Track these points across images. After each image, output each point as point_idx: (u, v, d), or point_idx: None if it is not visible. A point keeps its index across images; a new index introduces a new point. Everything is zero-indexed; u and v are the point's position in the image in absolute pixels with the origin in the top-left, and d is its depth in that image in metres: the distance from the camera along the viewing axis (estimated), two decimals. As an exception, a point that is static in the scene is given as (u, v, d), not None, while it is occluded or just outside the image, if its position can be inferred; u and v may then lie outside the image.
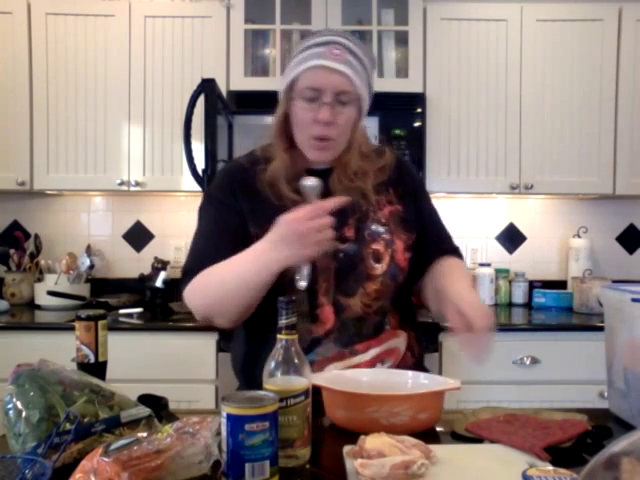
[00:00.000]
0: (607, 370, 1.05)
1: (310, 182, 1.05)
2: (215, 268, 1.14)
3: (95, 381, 0.90)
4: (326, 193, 1.14)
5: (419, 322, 1.35)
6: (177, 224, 2.85)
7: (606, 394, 1.08)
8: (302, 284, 1.06)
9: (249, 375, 1.25)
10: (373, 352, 1.19)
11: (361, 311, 1.19)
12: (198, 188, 2.12)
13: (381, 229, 1.22)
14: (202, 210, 1.28)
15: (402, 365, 1.21)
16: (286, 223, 1.02)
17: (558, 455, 0.84)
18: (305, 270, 1.06)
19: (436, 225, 1.34)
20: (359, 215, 1.21)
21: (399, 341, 1.23)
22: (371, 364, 1.18)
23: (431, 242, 1.29)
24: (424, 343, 1.34)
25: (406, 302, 1.30)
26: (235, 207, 1.22)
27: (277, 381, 0.84)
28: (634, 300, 0.93)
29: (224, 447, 0.74)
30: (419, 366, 1.27)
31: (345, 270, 1.18)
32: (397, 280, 1.22)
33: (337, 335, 1.17)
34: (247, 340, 1.28)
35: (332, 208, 1.02)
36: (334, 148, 1.20)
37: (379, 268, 1.19)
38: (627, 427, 0.96)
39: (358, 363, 1.17)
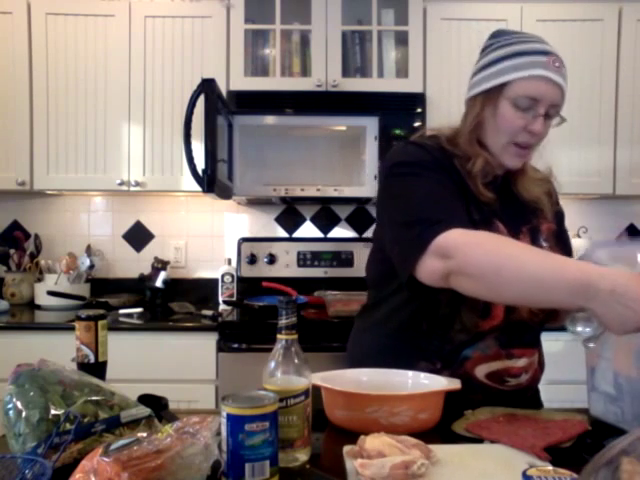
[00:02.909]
0: (588, 373, 1.05)
1: None
2: (514, 242, 1.06)
3: (95, 381, 0.90)
4: (509, 193, 1.23)
5: None
6: (177, 224, 2.86)
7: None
8: (579, 330, 0.97)
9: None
10: (525, 361, 1.19)
11: (527, 317, 1.19)
12: (198, 188, 2.11)
13: (544, 244, 1.24)
14: (412, 172, 1.16)
15: (536, 378, 1.25)
16: None
17: (558, 455, 0.85)
18: (593, 328, 0.95)
19: (570, 248, 1.35)
20: (530, 226, 1.24)
21: (536, 356, 1.25)
22: (521, 372, 1.19)
23: None
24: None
25: None
26: (449, 175, 1.16)
27: (277, 381, 0.84)
28: None
29: (224, 447, 0.74)
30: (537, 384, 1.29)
31: None
32: None
33: (500, 334, 1.17)
34: (387, 335, 1.27)
35: None
36: (530, 155, 1.22)
37: None
38: (613, 430, 0.95)
39: (510, 367, 1.18)
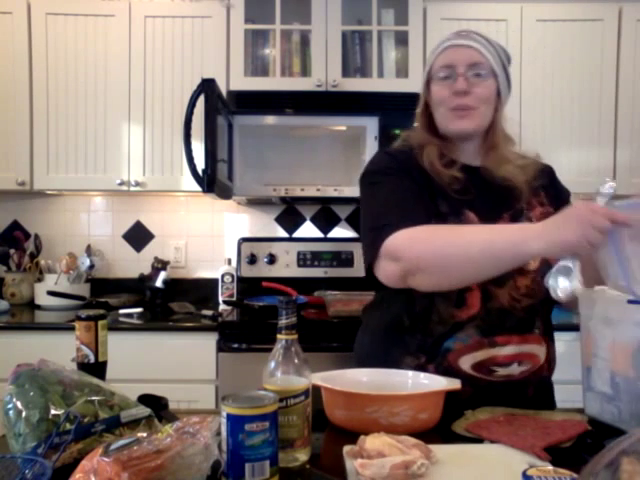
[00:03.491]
0: (583, 373, 1.05)
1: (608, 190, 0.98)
2: (451, 227, 1.12)
3: (95, 381, 0.90)
4: (476, 182, 1.23)
5: None
6: (177, 224, 2.86)
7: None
8: (562, 285, 0.98)
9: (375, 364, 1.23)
10: (511, 349, 1.17)
11: (507, 304, 1.18)
12: (198, 188, 2.11)
13: None
14: (373, 182, 1.25)
15: (538, 374, 1.21)
16: (578, 207, 0.95)
17: (558, 455, 0.85)
18: (572, 275, 0.96)
19: None
20: (513, 211, 1.24)
21: (540, 349, 1.22)
22: (508, 360, 1.17)
23: None
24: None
25: (549, 315, 1.30)
26: (411, 176, 1.23)
27: (277, 381, 0.84)
28: (630, 302, 0.93)
29: (224, 447, 0.74)
30: (549, 379, 1.28)
31: None
32: None
33: (479, 322, 1.17)
34: (377, 333, 1.29)
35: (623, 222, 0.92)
36: (474, 116, 1.24)
37: (532, 264, 1.19)
38: (613, 430, 0.95)
39: (495, 356, 1.16)
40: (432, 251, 1.09)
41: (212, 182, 2.08)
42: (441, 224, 1.17)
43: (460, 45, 1.23)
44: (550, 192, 1.30)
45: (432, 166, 1.23)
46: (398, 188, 1.21)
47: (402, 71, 2.54)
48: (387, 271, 1.15)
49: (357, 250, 2.77)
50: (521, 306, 1.20)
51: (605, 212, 0.93)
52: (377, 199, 1.22)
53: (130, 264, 2.84)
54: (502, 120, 1.29)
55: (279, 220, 2.88)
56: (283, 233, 2.88)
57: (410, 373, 1.10)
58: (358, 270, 2.74)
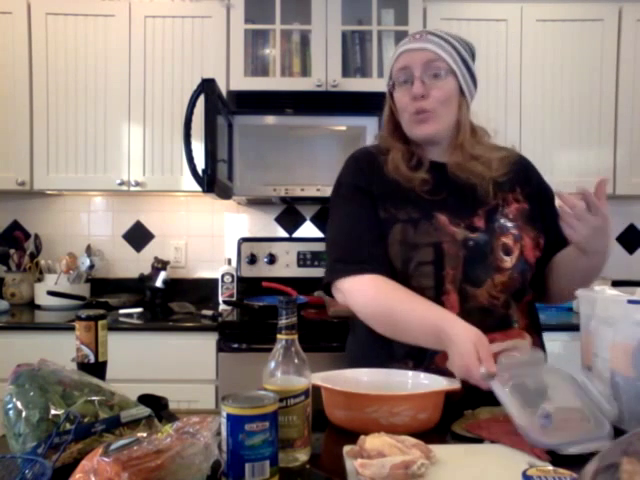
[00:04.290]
0: (583, 373, 1.04)
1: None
2: (392, 294, 1.16)
3: (95, 381, 0.90)
4: (446, 180, 1.25)
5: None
6: (177, 224, 2.86)
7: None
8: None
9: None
10: (497, 347, 1.15)
11: (487, 302, 1.18)
12: (198, 188, 2.12)
13: (509, 224, 1.23)
14: (337, 198, 1.32)
15: None
16: (468, 354, 1.00)
17: (558, 455, 0.85)
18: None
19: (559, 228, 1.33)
20: (488, 208, 1.24)
21: (524, 343, 1.19)
22: (495, 358, 1.17)
23: (555, 241, 1.26)
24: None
25: (534, 307, 1.30)
26: (367, 189, 1.26)
27: (277, 381, 0.84)
28: (630, 302, 0.93)
29: (224, 447, 0.74)
30: None
31: (474, 259, 1.19)
32: (526, 276, 1.22)
33: None
34: (365, 341, 1.32)
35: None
36: (434, 120, 1.24)
37: (508, 261, 1.20)
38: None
39: None
40: (367, 311, 1.20)
41: (212, 182, 2.08)
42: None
43: (414, 49, 1.24)
44: (526, 188, 1.29)
45: (398, 171, 1.25)
46: (349, 213, 1.27)
47: (402, 71, 2.54)
48: (340, 298, 1.27)
49: (357, 250, 2.76)
50: (500, 303, 1.20)
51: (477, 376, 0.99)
52: (334, 222, 1.30)
53: (130, 264, 2.84)
54: (469, 116, 1.28)
55: (279, 220, 2.88)
56: (283, 233, 2.88)
57: (410, 373, 1.10)
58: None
